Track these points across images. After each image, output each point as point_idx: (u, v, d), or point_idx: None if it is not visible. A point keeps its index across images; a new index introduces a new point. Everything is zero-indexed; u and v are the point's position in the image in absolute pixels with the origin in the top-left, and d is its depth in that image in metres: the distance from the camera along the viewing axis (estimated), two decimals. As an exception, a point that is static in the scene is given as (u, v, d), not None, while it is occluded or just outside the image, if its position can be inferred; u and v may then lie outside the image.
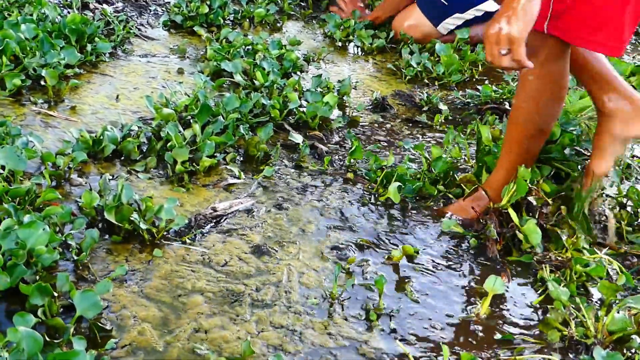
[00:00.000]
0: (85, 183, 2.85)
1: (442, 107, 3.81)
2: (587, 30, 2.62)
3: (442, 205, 3.07)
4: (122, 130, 3.14)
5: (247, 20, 4.51)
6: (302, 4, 4.92)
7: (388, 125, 3.65)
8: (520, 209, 2.88)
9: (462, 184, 3.09)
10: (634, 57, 4.88)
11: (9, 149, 2.72)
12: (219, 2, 4.33)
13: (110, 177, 2.90)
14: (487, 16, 4.60)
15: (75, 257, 2.38)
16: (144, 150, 3.10)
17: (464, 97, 3.99)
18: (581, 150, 3.21)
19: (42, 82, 3.41)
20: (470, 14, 4.53)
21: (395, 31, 4.60)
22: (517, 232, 2.78)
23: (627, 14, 2.57)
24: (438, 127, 3.69)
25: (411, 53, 4.35)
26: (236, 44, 3.93)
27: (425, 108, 3.82)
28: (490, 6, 4.56)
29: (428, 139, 3.58)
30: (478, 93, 3.98)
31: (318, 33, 4.59)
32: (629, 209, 3.07)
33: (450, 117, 3.77)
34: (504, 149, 2.92)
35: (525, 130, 2.83)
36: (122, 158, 3.05)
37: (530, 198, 2.87)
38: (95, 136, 3.02)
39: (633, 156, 3.49)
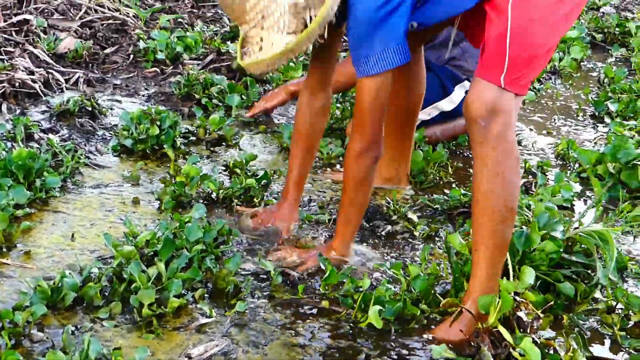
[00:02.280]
0: (47, 338, 2.66)
1: (412, 215, 3.68)
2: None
3: (427, 325, 2.93)
4: (81, 274, 2.95)
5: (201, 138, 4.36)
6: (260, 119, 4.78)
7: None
8: (510, 324, 2.74)
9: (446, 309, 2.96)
10: (595, 144, 4.82)
11: (-39, 310, 2.53)
12: (169, 122, 4.18)
13: (74, 329, 2.71)
14: (444, 115, 4.53)
15: None
16: (107, 295, 2.91)
17: (433, 202, 3.86)
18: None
19: (-8, 227, 3.22)
20: (426, 113, 4.43)
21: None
22: (512, 350, 2.64)
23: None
24: (414, 239, 3.55)
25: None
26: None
27: (394, 217, 3.68)
28: (445, 105, 4.49)
29: (405, 253, 3.44)
30: (447, 198, 3.86)
31: (274, 145, 4.45)
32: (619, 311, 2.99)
33: (423, 226, 3.63)
34: (477, 248, 2.83)
35: (496, 215, 2.79)
36: (84, 305, 2.86)
37: (520, 313, 2.75)
38: (54, 284, 2.83)
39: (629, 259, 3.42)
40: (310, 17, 2.86)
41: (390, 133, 3.78)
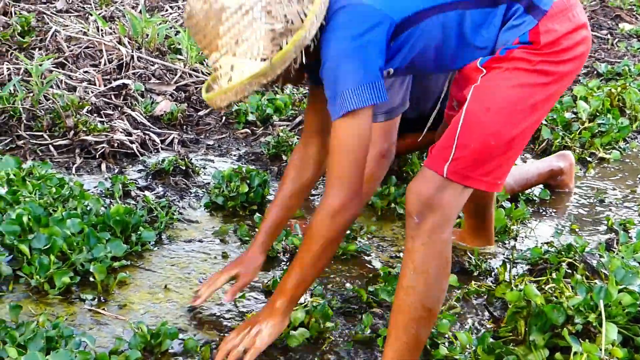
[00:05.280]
0: (141, 383, 2.81)
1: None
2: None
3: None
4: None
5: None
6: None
7: None
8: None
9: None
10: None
11: (63, 352, 2.71)
12: (259, 180, 4.34)
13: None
14: None
15: None
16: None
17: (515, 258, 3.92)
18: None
19: (91, 278, 3.41)
20: None
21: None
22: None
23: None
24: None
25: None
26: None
27: (475, 273, 3.75)
28: None
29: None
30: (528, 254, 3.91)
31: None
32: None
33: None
34: (388, 339, 2.78)
35: (412, 312, 2.70)
36: (182, 353, 3.04)
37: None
38: (153, 330, 3.02)
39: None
40: (287, 43, 2.65)
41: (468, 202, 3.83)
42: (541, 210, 4.58)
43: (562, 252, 3.81)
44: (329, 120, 2.86)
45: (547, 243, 3.99)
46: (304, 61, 2.68)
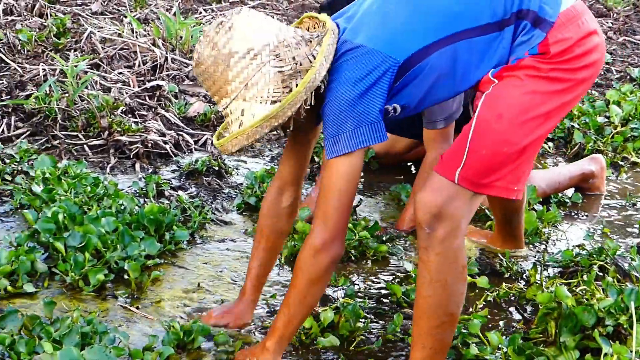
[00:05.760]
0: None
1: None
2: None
3: None
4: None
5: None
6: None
7: None
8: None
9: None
10: None
11: (98, 348, 2.74)
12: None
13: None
14: None
15: None
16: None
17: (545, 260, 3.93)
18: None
19: (125, 276, 3.46)
20: None
21: None
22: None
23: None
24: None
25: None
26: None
27: (506, 275, 3.75)
28: None
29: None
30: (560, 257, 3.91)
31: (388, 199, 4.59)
32: None
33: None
34: (414, 347, 2.78)
35: (434, 319, 2.71)
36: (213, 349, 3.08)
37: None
38: (185, 327, 3.05)
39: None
40: (297, 85, 2.68)
41: (495, 207, 3.89)
42: (573, 214, 4.57)
43: (594, 255, 3.80)
44: (303, 171, 3.11)
45: (578, 246, 3.99)
46: (313, 102, 2.71)
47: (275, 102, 2.67)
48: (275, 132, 2.84)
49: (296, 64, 2.69)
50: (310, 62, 2.70)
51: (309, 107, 2.70)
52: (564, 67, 2.69)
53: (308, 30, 2.86)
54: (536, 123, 2.68)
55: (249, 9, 2.77)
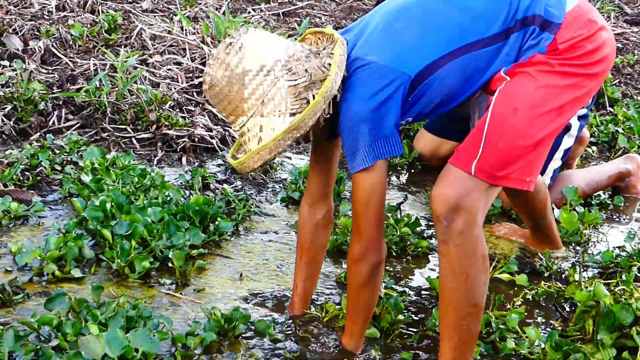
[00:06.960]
0: (215, 364, 2.91)
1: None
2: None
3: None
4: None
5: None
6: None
7: None
8: None
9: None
10: None
11: (142, 331, 2.81)
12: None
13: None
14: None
15: None
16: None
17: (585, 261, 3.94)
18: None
19: (169, 264, 3.53)
20: (548, 176, 4.46)
21: None
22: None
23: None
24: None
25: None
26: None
27: (545, 274, 3.78)
28: (566, 143, 4.48)
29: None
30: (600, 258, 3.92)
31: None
32: None
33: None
34: (442, 339, 2.82)
35: (460, 311, 2.74)
36: (254, 337, 3.13)
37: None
38: (227, 314, 3.12)
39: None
40: (313, 96, 2.72)
41: (520, 212, 3.95)
42: (614, 216, 4.58)
43: (634, 256, 3.82)
44: (331, 186, 3.20)
45: (618, 247, 4.00)
46: (330, 112, 2.76)
47: (293, 114, 2.71)
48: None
49: (310, 75, 2.73)
50: (323, 72, 2.75)
51: (327, 116, 2.77)
52: (575, 63, 2.73)
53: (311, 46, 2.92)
54: (550, 117, 2.72)
55: (255, 29, 2.82)
